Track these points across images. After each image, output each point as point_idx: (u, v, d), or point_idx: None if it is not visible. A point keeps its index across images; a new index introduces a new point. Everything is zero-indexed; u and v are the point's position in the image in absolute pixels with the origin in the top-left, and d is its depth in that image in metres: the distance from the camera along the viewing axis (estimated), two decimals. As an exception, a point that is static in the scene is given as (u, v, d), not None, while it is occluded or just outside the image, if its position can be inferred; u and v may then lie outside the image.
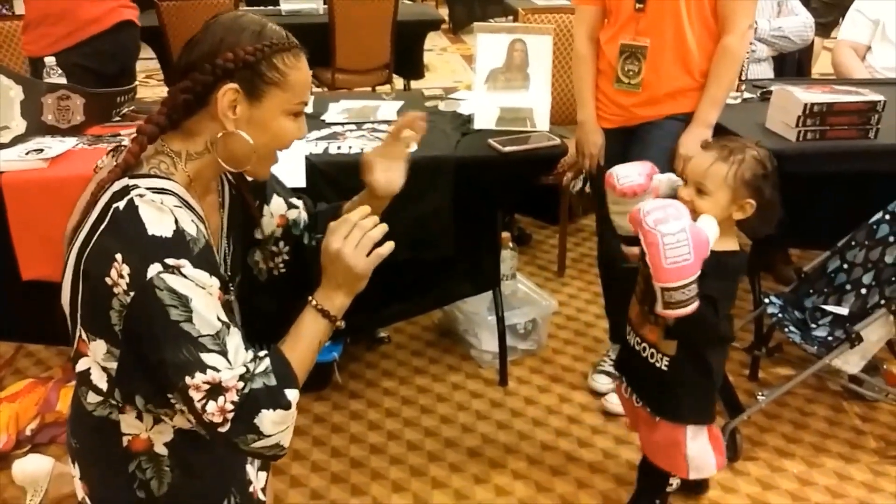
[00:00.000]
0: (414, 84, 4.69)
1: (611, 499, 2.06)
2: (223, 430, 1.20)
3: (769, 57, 3.13)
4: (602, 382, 2.47)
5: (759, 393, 2.15)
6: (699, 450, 1.73)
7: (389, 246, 1.31)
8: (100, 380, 1.25)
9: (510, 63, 2.28)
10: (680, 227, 1.41)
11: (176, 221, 1.18)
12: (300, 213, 1.63)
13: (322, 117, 2.41)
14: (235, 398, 1.19)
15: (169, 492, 1.41)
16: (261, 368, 1.24)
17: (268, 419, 1.22)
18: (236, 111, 1.23)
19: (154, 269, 1.13)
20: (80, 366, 1.27)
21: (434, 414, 2.40)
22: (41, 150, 2.00)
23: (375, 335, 2.76)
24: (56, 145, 2.04)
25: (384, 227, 1.31)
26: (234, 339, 1.23)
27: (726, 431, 2.14)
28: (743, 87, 2.58)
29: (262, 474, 1.80)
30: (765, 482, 2.12)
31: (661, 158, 2.10)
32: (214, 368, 1.17)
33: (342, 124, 2.35)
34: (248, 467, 1.67)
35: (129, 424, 1.34)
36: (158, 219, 1.16)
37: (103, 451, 1.38)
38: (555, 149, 2.17)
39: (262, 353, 1.25)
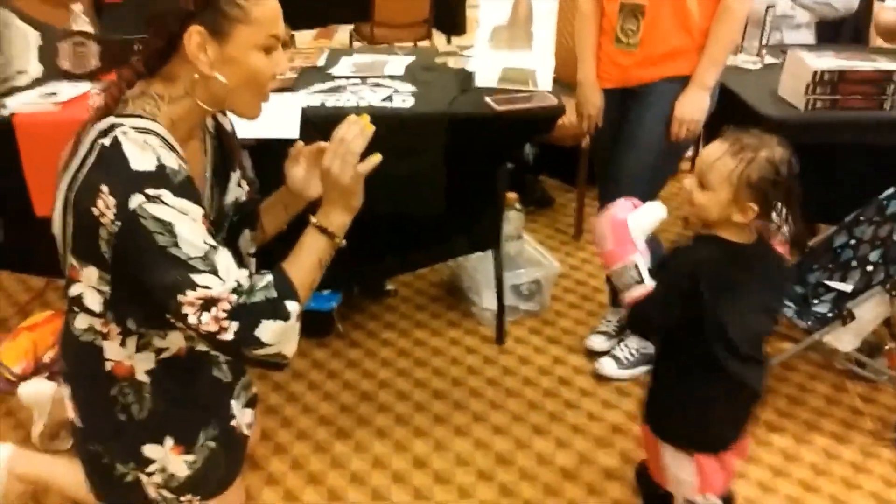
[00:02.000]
0: (455, 40, 4.66)
1: (587, 459, 2.08)
2: (223, 337, 1.25)
3: (811, 22, 2.99)
4: (597, 342, 2.47)
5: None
6: (679, 468, 1.61)
7: (375, 158, 1.37)
8: (93, 302, 1.34)
9: (515, 19, 2.25)
10: (604, 219, 1.46)
11: (158, 158, 1.24)
12: (242, 196, 1.65)
13: (329, 71, 2.44)
14: (228, 307, 1.25)
15: (149, 416, 1.52)
16: (262, 283, 1.30)
17: (268, 329, 1.28)
18: (207, 52, 1.26)
19: (136, 200, 1.19)
20: (73, 291, 1.36)
21: (427, 366, 2.45)
22: (54, 94, 2.11)
23: (382, 287, 2.82)
24: (69, 89, 2.14)
25: (367, 135, 1.36)
26: (224, 257, 1.28)
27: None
28: (764, 51, 2.48)
29: (248, 411, 1.90)
30: (748, 455, 2.09)
31: (657, 122, 2.07)
32: (206, 286, 1.24)
33: (347, 77, 2.38)
34: (233, 402, 1.76)
35: (113, 351, 1.44)
36: (141, 155, 1.23)
37: (88, 373, 1.48)
38: (551, 109, 2.14)
39: (263, 271, 1.32)
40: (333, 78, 2.38)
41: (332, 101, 2.16)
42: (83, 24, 2.44)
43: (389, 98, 2.18)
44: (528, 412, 2.26)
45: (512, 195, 2.66)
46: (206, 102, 1.33)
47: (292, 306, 1.31)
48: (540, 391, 2.35)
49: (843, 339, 2.00)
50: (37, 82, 2.17)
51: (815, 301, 2.20)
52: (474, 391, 2.34)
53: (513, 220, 2.66)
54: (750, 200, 1.39)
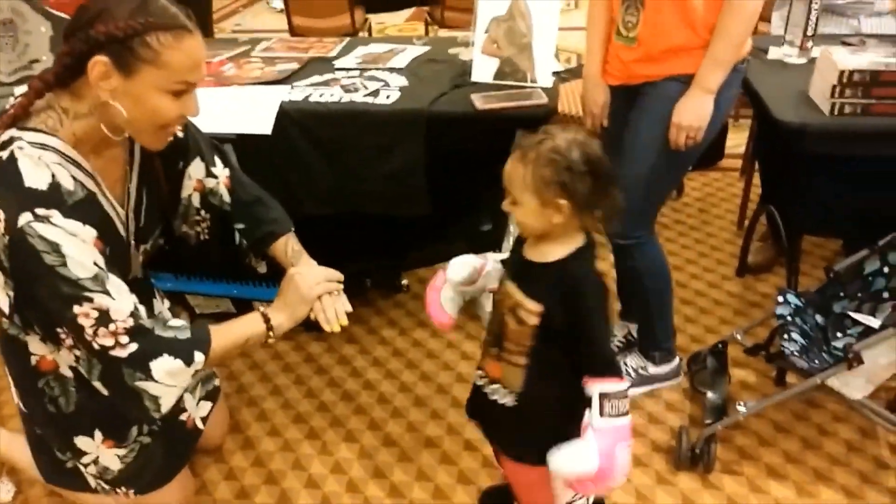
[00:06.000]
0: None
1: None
2: (117, 353, 1.28)
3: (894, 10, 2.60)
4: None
5: (740, 403, 1.88)
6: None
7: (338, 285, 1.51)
8: (3, 303, 1.37)
9: (514, 11, 2.09)
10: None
11: (52, 176, 1.25)
12: (218, 186, 1.66)
13: (336, 62, 2.38)
14: (126, 327, 1.27)
15: (76, 410, 1.55)
16: (176, 323, 1.35)
17: (164, 365, 1.31)
18: (110, 82, 1.25)
19: (25, 218, 1.21)
20: None
21: (416, 370, 2.37)
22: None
23: (396, 282, 2.75)
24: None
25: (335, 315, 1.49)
26: (115, 282, 1.30)
27: (702, 438, 1.91)
28: (809, 44, 2.17)
29: (206, 404, 1.91)
30: (737, 503, 1.87)
31: (654, 127, 1.86)
32: (100, 301, 1.26)
33: (347, 70, 2.31)
34: (186, 395, 1.78)
35: (36, 346, 1.48)
36: (35, 172, 1.24)
37: (17, 366, 1.54)
38: (539, 108, 1.98)
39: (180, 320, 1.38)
40: (334, 70, 2.32)
41: (316, 96, 2.10)
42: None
43: (375, 93, 2.10)
44: (508, 429, 2.13)
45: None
46: (107, 126, 1.33)
47: (198, 357, 1.34)
48: (526, 407, 2.21)
49: (853, 385, 1.72)
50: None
51: (838, 335, 1.91)
52: (456, 400, 2.24)
53: (523, 221, 2.51)
54: (556, 197, 1.28)
